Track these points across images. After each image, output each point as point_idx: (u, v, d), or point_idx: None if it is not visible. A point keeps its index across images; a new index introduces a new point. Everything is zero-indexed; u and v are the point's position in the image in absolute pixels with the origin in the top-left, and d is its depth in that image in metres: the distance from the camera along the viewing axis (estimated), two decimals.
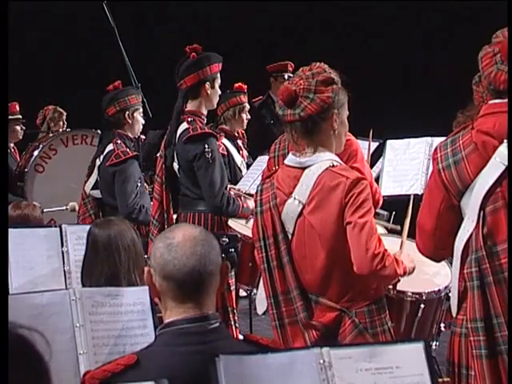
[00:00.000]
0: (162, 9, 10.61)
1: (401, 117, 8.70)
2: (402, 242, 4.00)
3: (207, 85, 5.29)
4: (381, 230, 5.04)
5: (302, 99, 3.57)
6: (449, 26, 9.68)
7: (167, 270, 2.55)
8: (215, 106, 5.60)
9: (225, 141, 7.07)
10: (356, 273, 3.49)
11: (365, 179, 3.59)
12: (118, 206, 5.77)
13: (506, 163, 3.09)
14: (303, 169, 3.63)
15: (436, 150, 3.29)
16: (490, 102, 3.22)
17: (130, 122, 5.98)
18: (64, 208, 6.89)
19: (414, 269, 3.70)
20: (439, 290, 3.90)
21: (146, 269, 2.63)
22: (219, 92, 5.42)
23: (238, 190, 6.06)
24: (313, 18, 10.18)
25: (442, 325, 4.05)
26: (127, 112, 5.96)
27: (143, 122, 6.16)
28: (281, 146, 4.92)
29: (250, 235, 4.83)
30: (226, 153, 7.08)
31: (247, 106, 7.39)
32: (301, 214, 3.61)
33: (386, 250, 3.51)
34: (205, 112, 5.40)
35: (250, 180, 6.43)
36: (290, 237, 3.66)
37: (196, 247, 2.56)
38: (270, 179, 3.77)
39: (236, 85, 7.30)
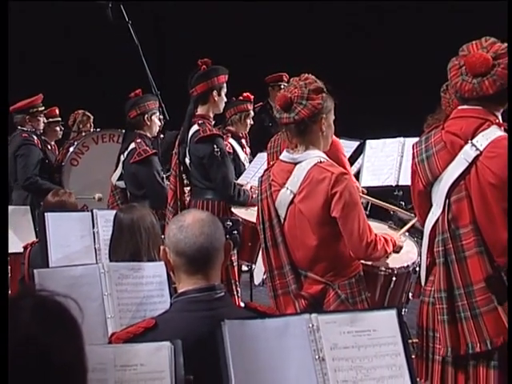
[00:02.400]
0: (177, 29, 10.63)
1: (379, 119, 8.67)
2: (403, 230, 4.14)
3: (215, 92, 5.28)
4: None
5: (296, 105, 3.56)
6: (418, 40, 9.59)
7: (179, 247, 2.54)
8: (221, 111, 5.58)
9: (231, 140, 7.04)
10: (351, 255, 3.54)
11: (347, 173, 3.59)
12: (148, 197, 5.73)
13: (470, 160, 3.09)
14: (295, 164, 3.63)
15: (413, 146, 3.30)
16: (459, 107, 3.20)
17: (148, 123, 5.96)
18: (92, 197, 6.95)
19: (401, 248, 3.79)
20: (408, 265, 3.89)
21: (161, 247, 2.62)
22: (225, 99, 5.41)
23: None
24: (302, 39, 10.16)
25: (410, 294, 4.05)
26: (146, 115, 5.95)
27: (160, 123, 6.15)
28: (274, 144, 4.93)
29: (250, 220, 4.85)
30: (231, 150, 7.06)
31: (252, 113, 7.36)
32: (292, 202, 3.61)
33: (376, 235, 3.52)
34: (212, 115, 5.39)
35: (251, 173, 6.41)
36: (282, 221, 3.65)
37: (203, 228, 2.55)
38: (267, 172, 3.78)
39: (244, 94, 7.26)
